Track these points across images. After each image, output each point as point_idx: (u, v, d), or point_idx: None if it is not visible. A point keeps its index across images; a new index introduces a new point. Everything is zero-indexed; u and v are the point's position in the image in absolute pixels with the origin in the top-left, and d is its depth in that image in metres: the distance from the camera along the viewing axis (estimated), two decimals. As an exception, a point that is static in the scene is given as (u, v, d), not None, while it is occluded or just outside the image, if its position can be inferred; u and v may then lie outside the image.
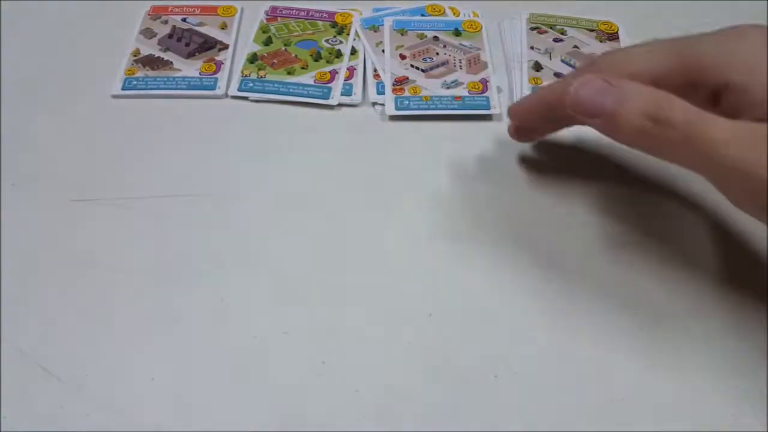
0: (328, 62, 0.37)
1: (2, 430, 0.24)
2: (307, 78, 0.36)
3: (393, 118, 0.35)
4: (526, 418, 0.25)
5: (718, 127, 0.20)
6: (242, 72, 0.36)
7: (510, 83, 0.37)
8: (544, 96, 0.28)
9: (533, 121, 0.30)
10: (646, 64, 0.23)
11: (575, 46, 0.38)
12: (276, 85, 0.36)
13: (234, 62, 0.37)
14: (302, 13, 0.40)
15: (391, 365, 0.26)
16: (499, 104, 0.35)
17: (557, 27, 0.39)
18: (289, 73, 0.36)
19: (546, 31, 0.39)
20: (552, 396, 0.25)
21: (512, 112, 0.30)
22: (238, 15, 0.40)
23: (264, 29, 0.39)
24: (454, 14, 0.40)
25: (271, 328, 0.27)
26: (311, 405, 0.25)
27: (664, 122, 0.20)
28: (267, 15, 0.40)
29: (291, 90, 0.35)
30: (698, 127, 0.20)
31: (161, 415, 0.24)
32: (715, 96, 0.22)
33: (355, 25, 0.39)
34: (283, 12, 0.40)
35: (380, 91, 0.35)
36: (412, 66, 0.37)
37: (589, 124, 0.23)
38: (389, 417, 0.24)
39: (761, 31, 0.22)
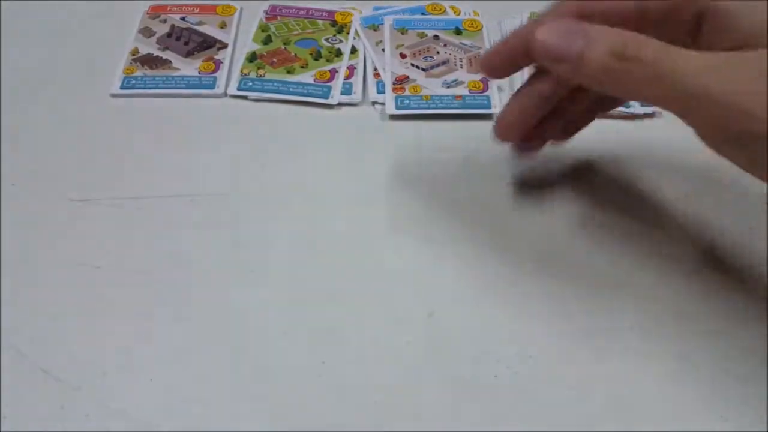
0: (328, 61, 0.37)
1: (2, 430, 0.24)
2: (306, 77, 0.36)
3: (393, 117, 0.35)
4: (526, 418, 0.25)
5: (688, 59, 0.20)
6: (241, 71, 0.36)
7: (511, 82, 0.37)
8: (509, 42, 0.26)
9: (503, 72, 0.27)
10: None
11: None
12: (275, 84, 0.35)
13: (233, 61, 0.37)
14: (302, 12, 0.40)
15: (391, 365, 0.26)
16: (500, 103, 0.35)
17: (558, 25, 0.39)
18: (288, 72, 0.36)
19: (546, 30, 0.39)
20: (552, 396, 0.25)
21: (482, 65, 0.27)
22: (237, 14, 0.40)
23: (263, 28, 0.39)
24: (454, 13, 0.40)
25: (271, 327, 0.27)
26: (311, 405, 0.25)
27: (633, 59, 0.20)
28: (266, 14, 0.40)
29: (291, 89, 0.35)
30: (667, 61, 0.20)
31: (161, 415, 0.24)
32: (697, 25, 0.21)
33: (355, 24, 0.39)
34: (283, 11, 0.40)
35: (380, 90, 0.35)
36: (412, 65, 0.37)
37: (556, 71, 0.23)
38: (389, 417, 0.24)
39: None
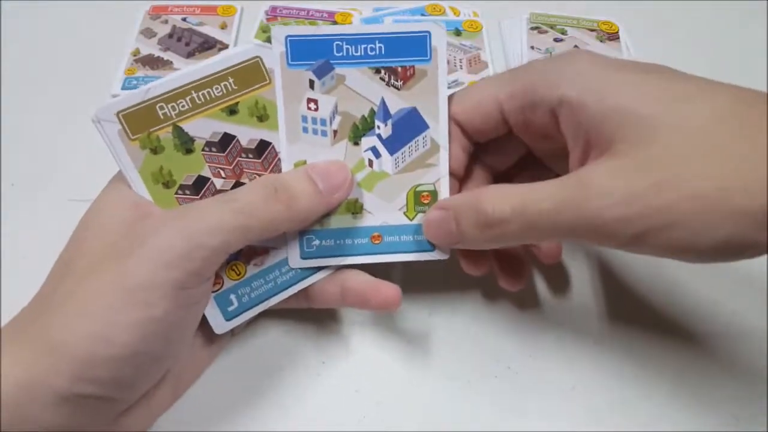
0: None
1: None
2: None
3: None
4: (527, 418, 0.25)
5: (542, 197, 0.20)
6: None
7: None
8: None
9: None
10: (490, 91, 0.23)
11: (576, 46, 0.38)
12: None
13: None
14: (302, 13, 0.40)
15: (391, 365, 0.26)
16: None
17: (558, 27, 0.39)
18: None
19: (546, 31, 0.39)
20: (552, 396, 0.25)
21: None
22: (237, 15, 0.40)
23: (264, 29, 0.39)
24: (454, 14, 0.40)
25: (271, 327, 0.27)
26: (311, 405, 0.25)
27: (498, 222, 0.21)
28: (267, 14, 0.40)
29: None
30: (528, 209, 0.20)
31: (161, 415, 0.24)
32: (554, 116, 0.21)
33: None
34: (283, 12, 0.40)
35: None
36: (412, 66, 0.37)
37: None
38: (389, 417, 0.24)
39: (587, 52, 0.21)
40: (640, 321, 0.27)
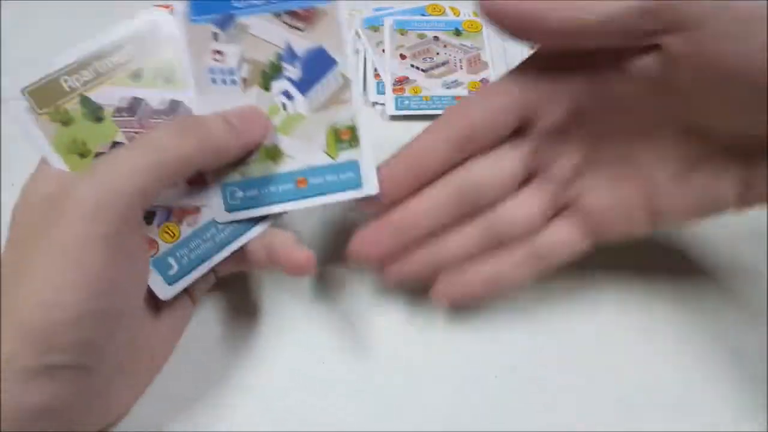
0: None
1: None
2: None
3: (393, 117, 0.35)
4: (527, 418, 0.25)
5: None
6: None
7: (510, 83, 0.37)
8: None
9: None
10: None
11: (575, 46, 0.38)
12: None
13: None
14: (302, 13, 0.40)
15: (391, 365, 0.26)
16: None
17: (557, 27, 0.39)
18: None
19: (546, 31, 0.39)
20: (552, 396, 0.25)
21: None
22: (238, 15, 0.40)
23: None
24: (454, 14, 0.40)
25: (271, 327, 0.27)
26: (311, 405, 0.25)
27: None
28: (267, 15, 0.40)
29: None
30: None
31: (161, 415, 0.24)
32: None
33: (356, 25, 0.39)
34: (283, 12, 0.40)
35: (380, 91, 0.35)
36: (412, 66, 0.37)
37: None
38: (390, 417, 0.24)
39: None
40: (639, 321, 0.27)
